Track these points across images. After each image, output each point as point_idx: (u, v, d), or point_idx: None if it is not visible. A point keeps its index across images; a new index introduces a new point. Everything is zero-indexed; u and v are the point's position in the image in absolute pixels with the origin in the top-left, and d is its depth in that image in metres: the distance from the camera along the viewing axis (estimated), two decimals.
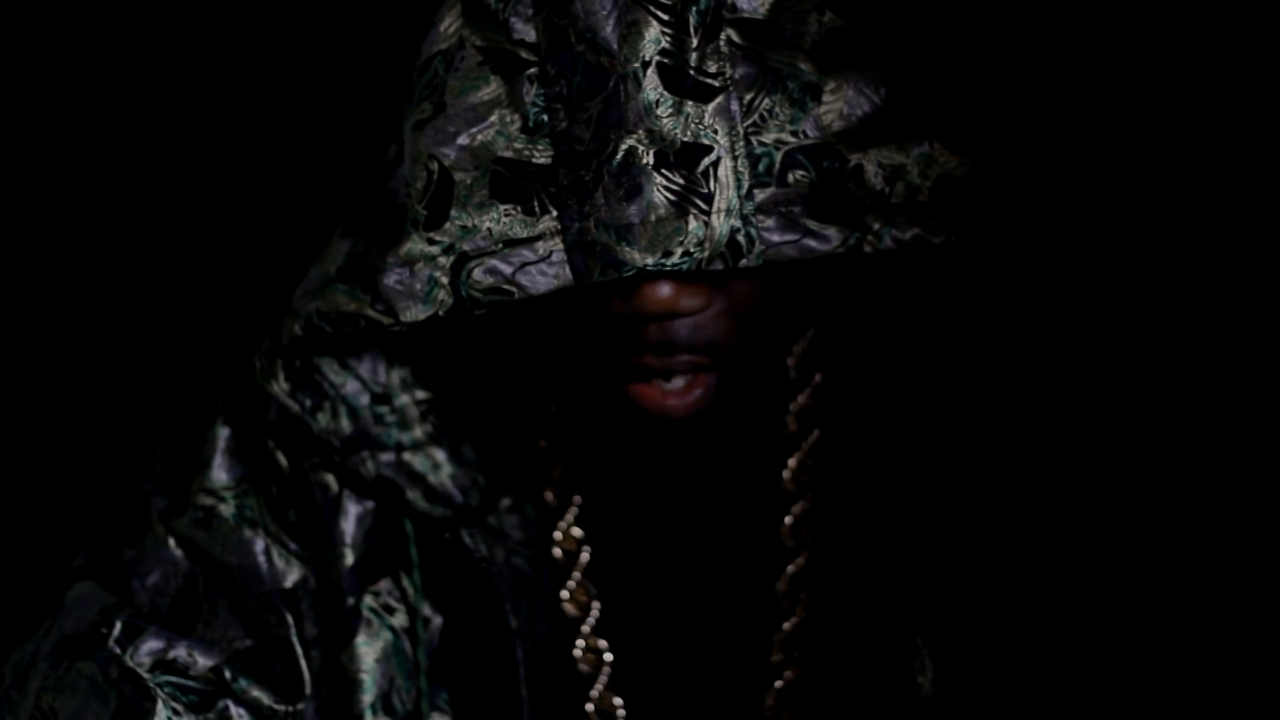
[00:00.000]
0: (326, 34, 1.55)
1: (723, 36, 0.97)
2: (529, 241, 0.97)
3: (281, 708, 1.09)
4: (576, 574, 1.13)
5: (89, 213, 1.59)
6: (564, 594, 1.13)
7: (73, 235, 1.59)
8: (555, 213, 0.97)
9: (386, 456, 1.12)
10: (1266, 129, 0.98)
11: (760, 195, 0.97)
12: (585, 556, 1.13)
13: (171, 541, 1.11)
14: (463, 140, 0.98)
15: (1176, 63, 1.01)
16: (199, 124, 1.57)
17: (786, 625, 1.09)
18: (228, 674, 1.08)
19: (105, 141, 1.58)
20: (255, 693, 1.08)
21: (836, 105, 0.98)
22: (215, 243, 1.58)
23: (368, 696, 1.10)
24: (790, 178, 0.97)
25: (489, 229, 0.98)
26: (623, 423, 1.02)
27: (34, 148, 1.59)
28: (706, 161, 0.96)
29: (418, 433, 1.13)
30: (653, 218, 0.95)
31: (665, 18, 0.96)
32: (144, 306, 1.59)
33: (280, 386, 1.09)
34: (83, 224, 1.59)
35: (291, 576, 1.11)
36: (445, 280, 0.99)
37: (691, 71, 0.96)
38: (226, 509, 1.12)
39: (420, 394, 1.14)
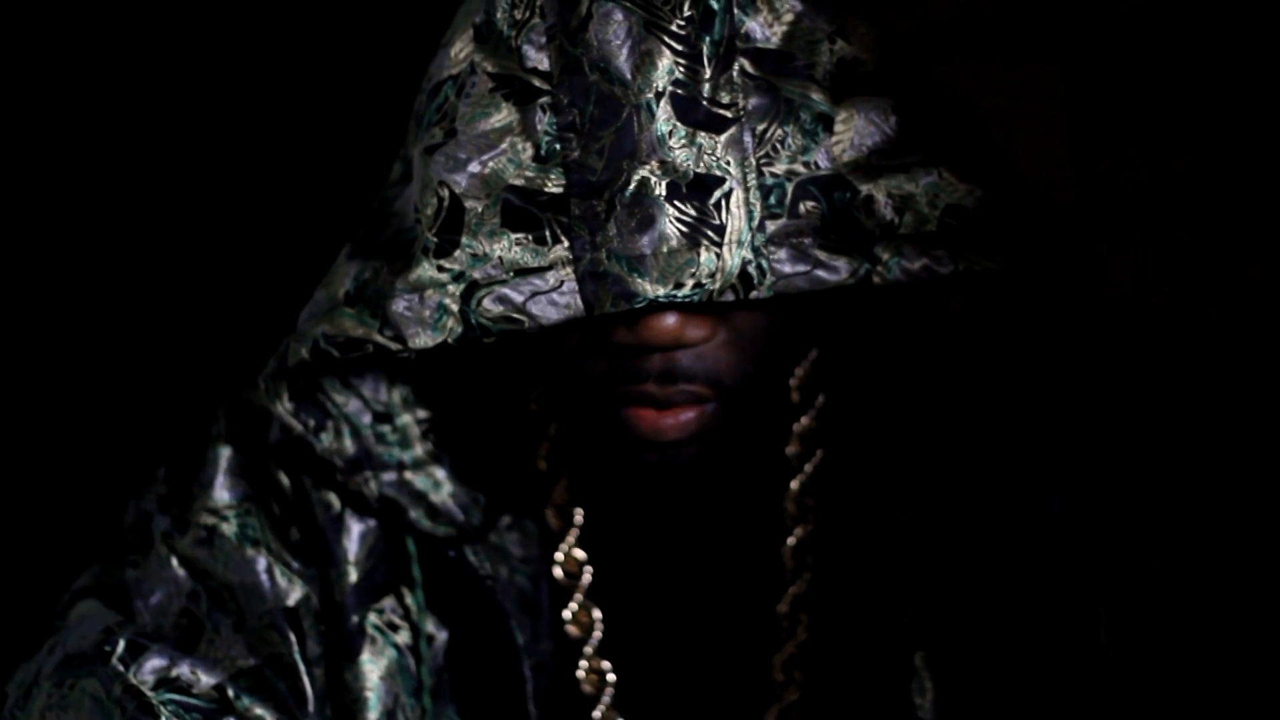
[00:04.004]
0: (333, 52, 1.55)
1: (735, 67, 0.97)
2: (540, 271, 0.97)
3: None
4: (579, 595, 1.13)
5: (94, 230, 1.59)
6: (566, 615, 1.13)
7: (80, 253, 1.59)
8: (567, 242, 0.97)
9: (389, 476, 1.11)
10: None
11: (771, 227, 0.97)
12: (587, 578, 1.13)
13: (174, 561, 1.11)
14: (474, 167, 0.98)
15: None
16: (206, 142, 1.57)
17: (788, 647, 1.09)
18: (231, 692, 1.07)
19: (113, 159, 1.57)
20: (258, 711, 1.07)
21: (848, 135, 0.98)
22: (219, 263, 1.58)
23: (372, 714, 1.10)
24: (801, 209, 0.97)
25: (500, 257, 0.98)
26: (616, 443, 1.02)
27: (46, 165, 1.58)
28: (719, 193, 0.96)
29: (419, 451, 1.13)
30: (665, 249, 0.95)
31: (679, 48, 0.96)
32: (147, 326, 1.59)
33: (284, 407, 1.09)
34: (89, 242, 1.59)
35: (294, 595, 1.11)
36: (455, 308, 0.98)
37: (704, 102, 0.96)
38: (229, 528, 1.12)
39: (421, 412, 1.13)
